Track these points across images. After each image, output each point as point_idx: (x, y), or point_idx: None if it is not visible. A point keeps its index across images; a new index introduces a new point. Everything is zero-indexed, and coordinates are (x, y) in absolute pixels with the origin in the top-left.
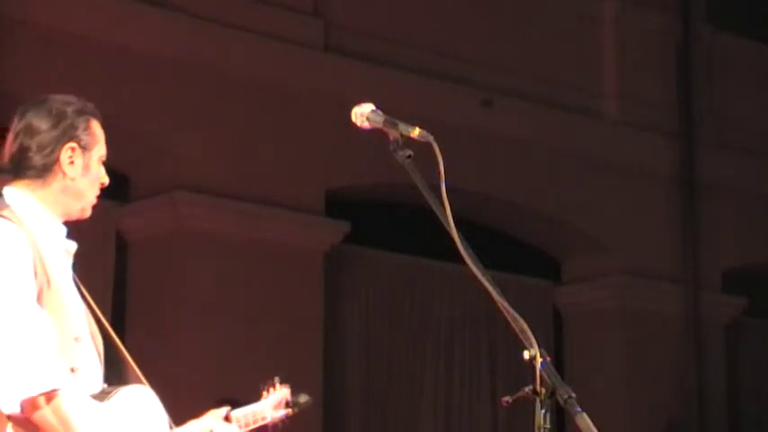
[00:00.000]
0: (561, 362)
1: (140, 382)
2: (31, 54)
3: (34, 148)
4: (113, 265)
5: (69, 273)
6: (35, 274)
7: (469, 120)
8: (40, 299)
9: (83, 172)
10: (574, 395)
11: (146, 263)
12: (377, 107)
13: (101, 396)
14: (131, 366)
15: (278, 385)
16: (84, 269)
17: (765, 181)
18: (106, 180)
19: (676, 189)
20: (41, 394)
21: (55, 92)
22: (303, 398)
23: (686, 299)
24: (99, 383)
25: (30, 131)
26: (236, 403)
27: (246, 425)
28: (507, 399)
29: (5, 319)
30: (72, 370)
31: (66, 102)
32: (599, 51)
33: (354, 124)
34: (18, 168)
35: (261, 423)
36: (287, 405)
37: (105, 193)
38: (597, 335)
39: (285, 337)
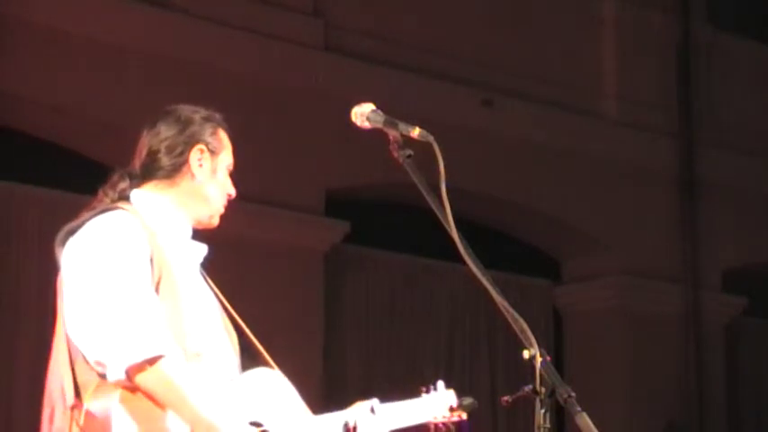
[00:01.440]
0: (561, 362)
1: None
2: (31, 54)
3: (163, 150)
4: None
5: (193, 270)
6: (151, 262)
7: (469, 120)
8: (156, 288)
9: (210, 175)
10: (574, 395)
11: None
12: (377, 107)
13: (230, 381)
14: (267, 361)
15: (441, 388)
16: None
17: (765, 181)
18: (233, 191)
19: (676, 189)
20: (146, 360)
21: (55, 92)
22: (467, 401)
23: (686, 299)
24: (232, 372)
25: (158, 137)
26: None
27: (395, 420)
28: (507, 398)
29: (114, 293)
30: (197, 355)
31: (193, 110)
32: (599, 51)
33: (354, 124)
34: (147, 171)
35: (417, 422)
36: (452, 409)
37: None
38: (597, 335)
39: (285, 336)
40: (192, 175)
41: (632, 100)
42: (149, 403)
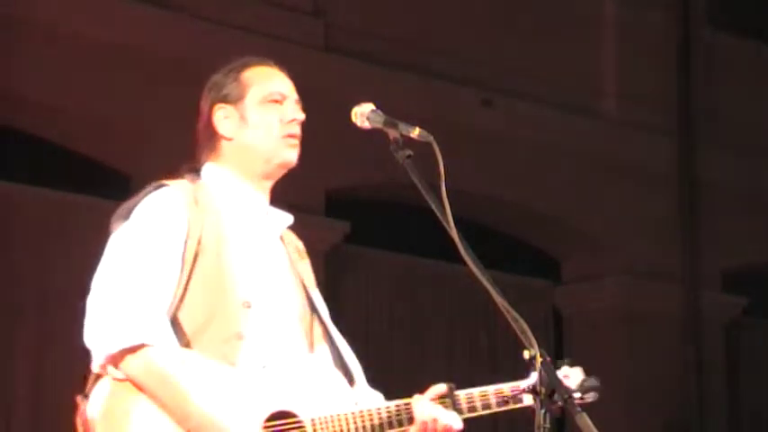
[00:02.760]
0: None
1: (341, 362)
2: (32, 54)
3: (200, 126)
4: None
5: (266, 243)
6: (187, 237)
7: (469, 120)
8: (194, 262)
9: (240, 124)
10: (574, 395)
11: None
12: (377, 107)
13: (270, 366)
14: (337, 346)
15: (567, 369)
16: (80, 272)
17: (765, 181)
18: (291, 115)
19: (676, 189)
20: (127, 349)
21: (55, 91)
22: (589, 381)
23: (686, 299)
24: (282, 354)
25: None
26: None
27: (474, 407)
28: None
29: (115, 278)
30: (239, 336)
31: (218, 75)
32: (599, 51)
33: (354, 124)
34: (205, 146)
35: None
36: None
37: (102, 193)
38: (597, 335)
39: None
40: (223, 136)
41: (632, 99)
42: (138, 397)
